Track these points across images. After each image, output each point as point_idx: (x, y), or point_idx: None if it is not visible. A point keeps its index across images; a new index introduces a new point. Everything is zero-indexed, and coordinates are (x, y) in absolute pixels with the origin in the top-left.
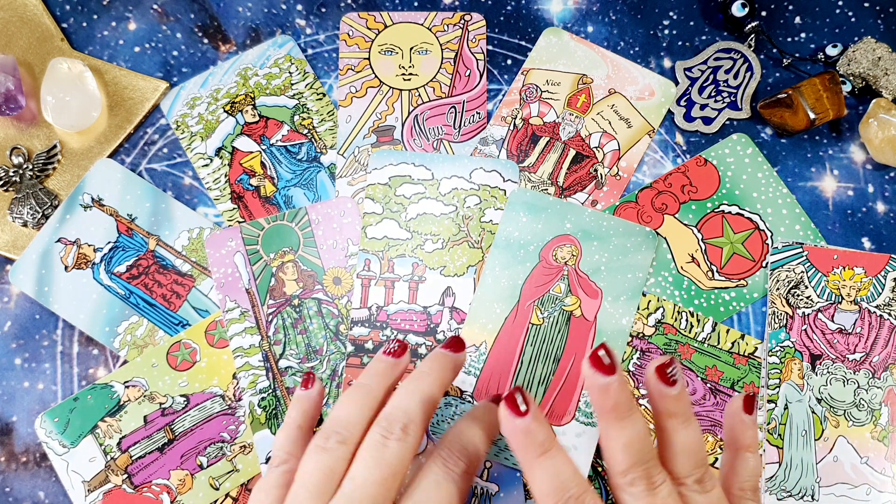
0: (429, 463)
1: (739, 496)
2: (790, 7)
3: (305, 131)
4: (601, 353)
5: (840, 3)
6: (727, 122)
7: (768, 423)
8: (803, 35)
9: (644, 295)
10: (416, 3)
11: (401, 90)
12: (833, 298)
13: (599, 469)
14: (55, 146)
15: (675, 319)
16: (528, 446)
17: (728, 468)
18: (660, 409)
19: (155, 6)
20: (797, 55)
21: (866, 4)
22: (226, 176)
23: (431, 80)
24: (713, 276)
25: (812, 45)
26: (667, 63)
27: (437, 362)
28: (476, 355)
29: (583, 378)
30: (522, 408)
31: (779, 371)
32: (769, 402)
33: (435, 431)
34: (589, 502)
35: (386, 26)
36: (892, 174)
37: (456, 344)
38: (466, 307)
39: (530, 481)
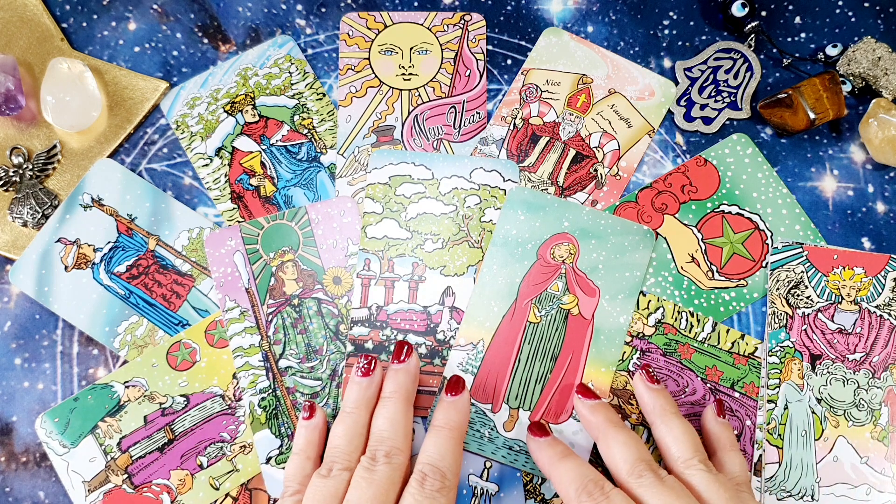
0: (407, 486)
1: (735, 491)
2: (790, 7)
3: (305, 131)
4: (588, 384)
5: (840, 3)
6: (727, 122)
7: (768, 423)
8: (803, 35)
9: (644, 295)
10: (416, 3)
11: (401, 90)
12: (833, 298)
13: (598, 468)
14: (55, 146)
15: (675, 319)
16: (551, 455)
17: (719, 470)
18: (650, 408)
19: (155, 6)
20: (797, 55)
21: (866, 4)
22: (226, 176)
23: (431, 80)
24: (713, 276)
25: (812, 45)
26: (667, 63)
27: (395, 381)
28: (473, 353)
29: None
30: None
31: (779, 371)
32: (769, 402)
33: None
34: (606, 485)
35: (386, 26)
36: (892, 174)
37: (400, 352)
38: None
39: (555, 481)
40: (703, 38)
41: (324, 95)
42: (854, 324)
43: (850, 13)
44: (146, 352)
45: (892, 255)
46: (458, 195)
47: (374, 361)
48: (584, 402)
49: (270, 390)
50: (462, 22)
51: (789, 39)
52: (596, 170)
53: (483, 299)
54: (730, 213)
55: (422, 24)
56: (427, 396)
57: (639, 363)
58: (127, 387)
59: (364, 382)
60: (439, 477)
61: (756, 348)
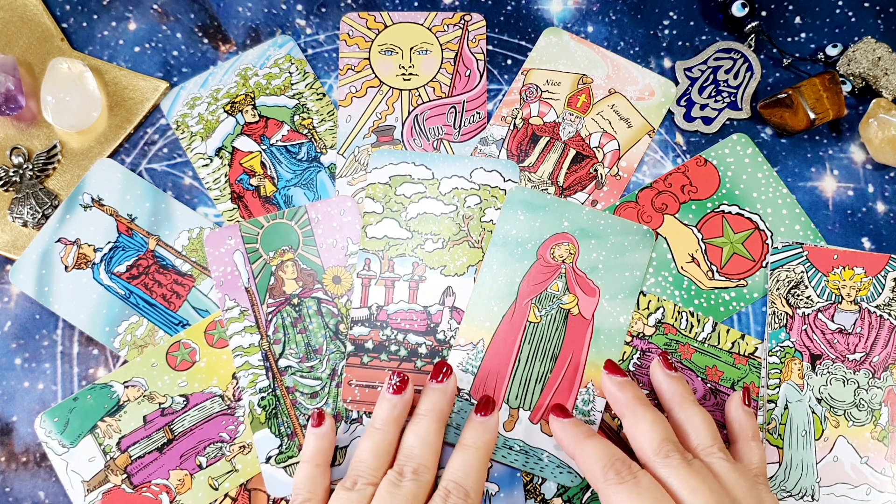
0: (430, 501)
1: (753, 482)
2: (790, 7)
3: (305, 131)
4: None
5: (840, 3)
6: (727, 122)
7: (768, 423)
8: (803, 35)
9: (644, 295)
10: (416, 3)
11: (401, 90)
12: (833, 298)
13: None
14: (55, 146)
15: (676, 319)
16: (576, 434)
17: (737, 459)
18: (668, 395)
19: (155, 6)
20: (797, 55)
21: (866, 4)
22: (226, 176)
23: (431, 80)
24: (713, 276)
25: (812, 45)
26: (667, 63)
27: (431, 400)
28: (473, 353)
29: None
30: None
31: (779, 371)
32: (769, 402)
33: None
34: (634, 465)
35: (386, 26)
36: (892, 174)
37: (439, 372)
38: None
39: (580, 460)
40: (703, 38)
41: (324, 95)
42: (854, 324)
43: (850, 13)
44: (146, 352)
45: (892, 255)
46: (459, 195)
47: (406, 379)
48: (613, 379)
49: (270, 390)
50: (462, 22)
51: (789, 39)
52: (596, 170)
53: (483, 299)
54: (730, 213)
55: (422, 24)
56: None
57: (639, 363)
58: (126, 387)
59: (394, 400)
60: (462, 495)
61: (756, 348)
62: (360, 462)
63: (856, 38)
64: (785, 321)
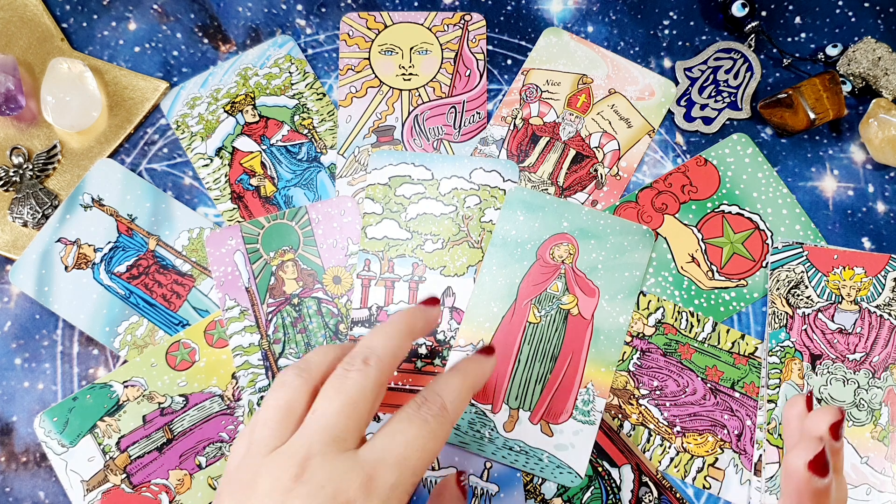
0: (404, 405)
1: None
2: (790, 7)
3: (305, 131)
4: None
5: (840, 3)
6: (727, 122)
7: (768, 423)
8: (803, 35)
9: (644, 295)
10: (416, 3)
11: (401, 90)
12: (833, 298)
13: (599, 469)
14: (55, 146)
15: (676, 319)
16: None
17: None
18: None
19: (155, 6)
20: (797, 55)
21: (866, 4)
22: (226, 176)
23: (431, 80)
24: (713, 276)
25: (812, 45)
26: (667, 63)
27: (412, 314)
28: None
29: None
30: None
31: (779, 371)
32: (769, 402)
33: None
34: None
35: (386, 26)
36: (892, 174)
37: (431, 300)
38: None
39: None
40: (703, 38)
41: (324, 95)
42: (854, 324)
43: (850, 13)
44: (146, 352)
45: (892, 255)
46: (458, 195)
47: (437, 301)
48: (815, 483)
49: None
50: (462, 22)
51: (789, 39)
52: (596, 170)
53: (483, 300)
54: (730, 213)
55: (422, 24)
56: None
57: (640, 363)
58: (126, 386)
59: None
60: (439, 406)
61: (756, 348)
62: (369, 346)
63: (856, 38)
64: (785, 321)
